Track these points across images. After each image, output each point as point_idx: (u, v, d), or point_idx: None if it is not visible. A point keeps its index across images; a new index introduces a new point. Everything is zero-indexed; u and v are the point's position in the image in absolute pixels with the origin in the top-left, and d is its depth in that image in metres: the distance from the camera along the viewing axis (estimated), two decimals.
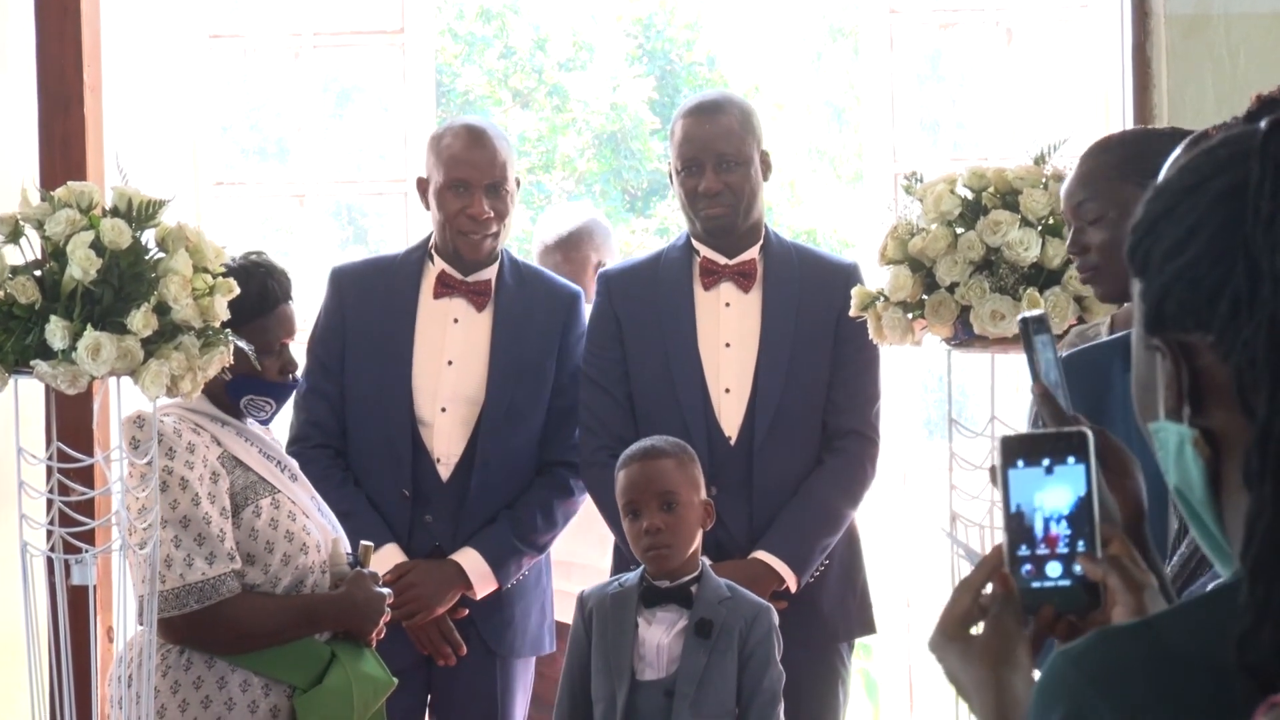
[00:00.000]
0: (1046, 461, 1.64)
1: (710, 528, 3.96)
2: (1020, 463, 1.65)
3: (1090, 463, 1.64)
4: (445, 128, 4.51)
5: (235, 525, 3.70)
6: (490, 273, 4.47)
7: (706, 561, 3.94)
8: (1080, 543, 1.64)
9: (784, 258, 4.47)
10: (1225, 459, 1.40)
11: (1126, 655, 1.35)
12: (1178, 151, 2.00)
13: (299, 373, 3.87)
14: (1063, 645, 1.43)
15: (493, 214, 4.38)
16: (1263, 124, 1.32)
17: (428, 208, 4.49)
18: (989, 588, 1.68)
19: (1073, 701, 1.34)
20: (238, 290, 3.71)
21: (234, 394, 3.78)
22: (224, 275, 3.72)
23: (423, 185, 4.50)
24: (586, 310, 4.56)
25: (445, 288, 4.46)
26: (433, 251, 4.49)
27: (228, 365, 3.71)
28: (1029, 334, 1.99)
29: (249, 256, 3.86)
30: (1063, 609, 1.66)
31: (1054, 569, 1.65)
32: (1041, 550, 1.65)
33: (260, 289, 3.78)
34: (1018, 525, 1.65)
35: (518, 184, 4.48)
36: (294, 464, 3.92)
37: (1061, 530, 1.65)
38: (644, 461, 3.87)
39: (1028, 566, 1.65)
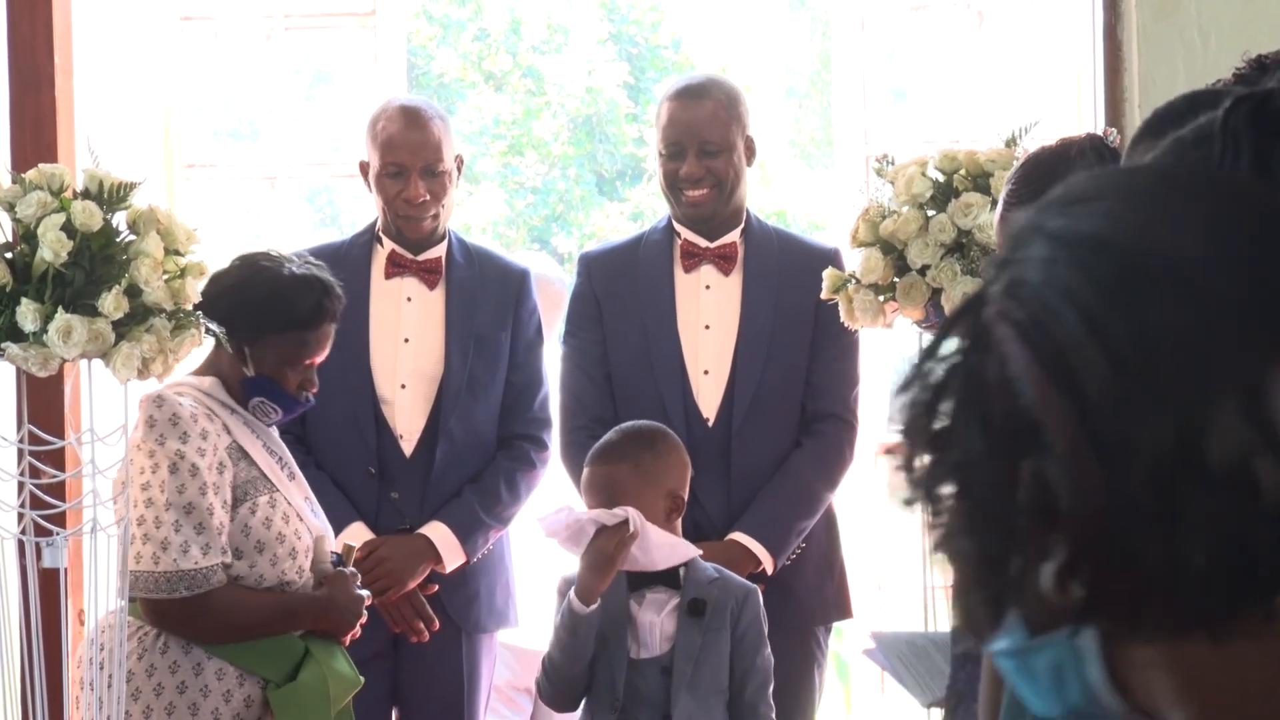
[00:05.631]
0: None
1: (679, 518, 3.96)
2: None
3: None
4: (380, 110, 4.50)
5: (231, 518, 3.70)
6: (440, 250, 4.48)
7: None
8: None
9: (765, 242, 4.48)
10: None
11: None
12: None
13: (314, 392, 3.86)
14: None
15: (429, 197, 4.38)
16: (1225, 104, 1.33)
17: (371, 190, 4.49)
18: None
19: None
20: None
21: (249, 391, 3.77)
22: (289, 278, 3.71)
23: (364, 168, 4.50)
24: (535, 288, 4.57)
25: (396, 268, 4.46)
26: (380, 234, 4.50)
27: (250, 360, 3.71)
28: None
29: (308, 263, 3.83)
30: None
31: None
32: None
33: (315, 305, 3.77)
34: None
35: (460, 163, 4.49)
36: (293, 462, 3.91)
37: None
38: (593, 466, 3.86)
39: None
